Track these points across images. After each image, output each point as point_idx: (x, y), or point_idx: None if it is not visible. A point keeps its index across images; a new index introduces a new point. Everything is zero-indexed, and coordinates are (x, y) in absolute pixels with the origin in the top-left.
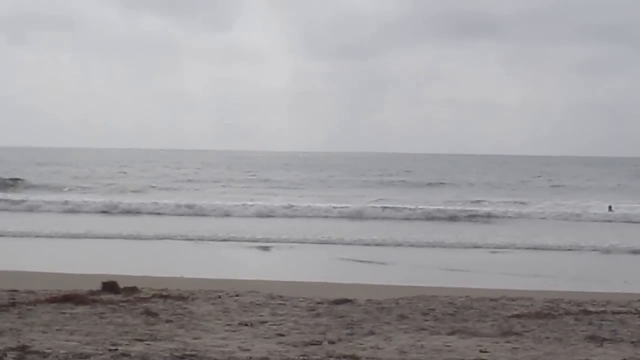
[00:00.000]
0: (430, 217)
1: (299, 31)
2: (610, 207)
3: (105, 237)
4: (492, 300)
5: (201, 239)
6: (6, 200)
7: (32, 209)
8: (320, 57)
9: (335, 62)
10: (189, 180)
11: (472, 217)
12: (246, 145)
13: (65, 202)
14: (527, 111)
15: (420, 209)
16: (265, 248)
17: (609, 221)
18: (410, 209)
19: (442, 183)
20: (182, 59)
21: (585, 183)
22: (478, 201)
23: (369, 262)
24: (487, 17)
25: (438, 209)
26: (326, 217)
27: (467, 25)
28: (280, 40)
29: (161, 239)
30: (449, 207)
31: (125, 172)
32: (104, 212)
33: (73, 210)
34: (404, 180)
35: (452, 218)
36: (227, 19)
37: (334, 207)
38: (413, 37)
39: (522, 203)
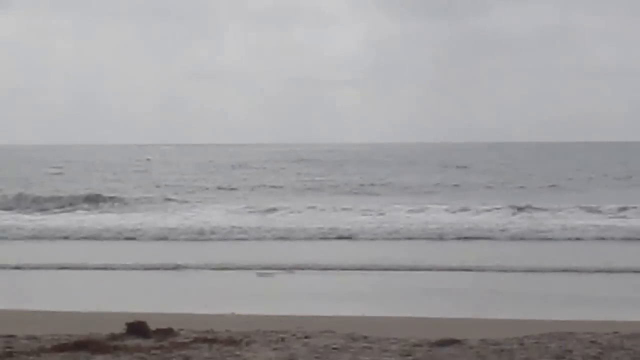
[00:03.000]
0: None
1: None
2: None
3: (126, 268)
4: None
5: (252, 267)
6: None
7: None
8: (405, 17)
9: (424, 23)
10: (232, 189)
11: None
12: (305, 137)
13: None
14: None
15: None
16: (342, 275)
17: None
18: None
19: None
20: (219, 23)
21: None
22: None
23: (482, 290)
24: None
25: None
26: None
27: None
28: None
29: (201, 268)
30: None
31: (144, 170)
32: (128, 238)
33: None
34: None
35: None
36: None
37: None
38: None
39: None
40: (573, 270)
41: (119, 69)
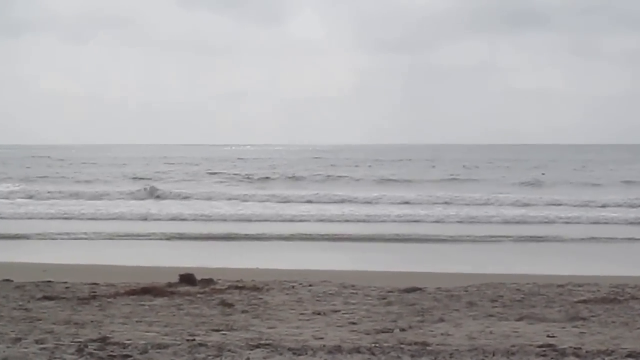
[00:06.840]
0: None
1: (352, 26)
2: None
3: (181, 238)
4: (559, 286)
5: (270, 237)
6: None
7: None
8: (374, 52)
9: (389, 56)
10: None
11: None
12: (300, 139)
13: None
14: (579, 99)
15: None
16: (336, 242)
17: None
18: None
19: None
20: (237, 54)
21: None
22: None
23: (437, 252)
24: (534, 7)
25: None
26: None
27: (515, 16)
28: (335, 35)
29: (233, 239)
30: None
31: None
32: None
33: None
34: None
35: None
36: (279, 14)
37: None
38: (462, 30)
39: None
40: (500, 240)
41: None
